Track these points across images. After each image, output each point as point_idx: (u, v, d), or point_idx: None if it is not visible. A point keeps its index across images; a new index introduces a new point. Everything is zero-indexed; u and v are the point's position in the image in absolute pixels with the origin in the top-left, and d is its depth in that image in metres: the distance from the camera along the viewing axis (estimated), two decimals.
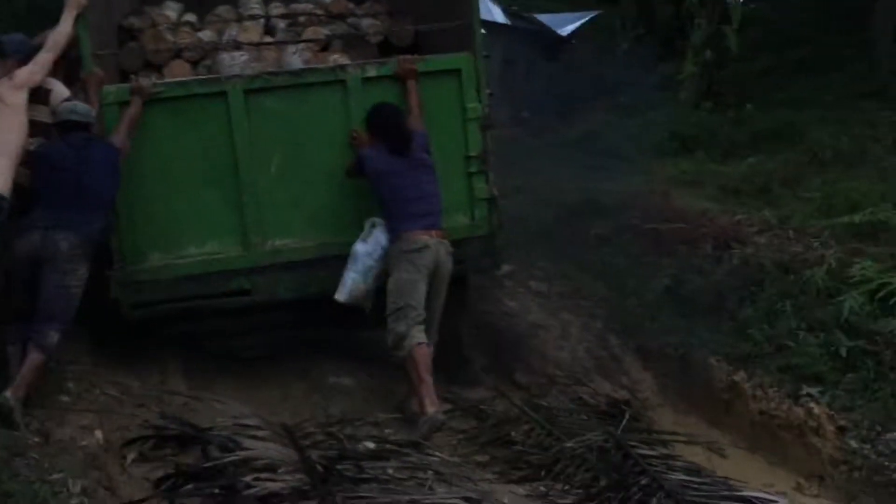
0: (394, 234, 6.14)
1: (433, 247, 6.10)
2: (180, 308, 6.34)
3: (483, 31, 6.73)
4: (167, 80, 6.63)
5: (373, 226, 6.26)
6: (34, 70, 5.83)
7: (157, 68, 6.89)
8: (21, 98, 5.69)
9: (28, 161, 5.75)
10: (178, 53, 6.93)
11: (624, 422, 6.18)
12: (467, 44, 6.53)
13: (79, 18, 6.07)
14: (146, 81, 6.25)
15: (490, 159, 6.61)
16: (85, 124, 5.80)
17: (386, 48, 7.22)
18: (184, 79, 6.55)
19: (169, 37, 7.01)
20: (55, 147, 5.78)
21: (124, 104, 6.12)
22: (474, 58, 6.50)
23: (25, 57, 5.98)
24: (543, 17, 17.63)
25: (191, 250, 6.35)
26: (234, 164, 6.32)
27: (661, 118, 12.83)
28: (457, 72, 6.51)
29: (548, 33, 17.28)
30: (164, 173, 6.27)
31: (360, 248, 6.22)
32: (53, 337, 5.39)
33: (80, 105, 5.85)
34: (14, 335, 5.48)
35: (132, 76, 6.64)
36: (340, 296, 6.17)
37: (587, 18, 17.77)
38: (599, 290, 8.40)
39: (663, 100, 13.48)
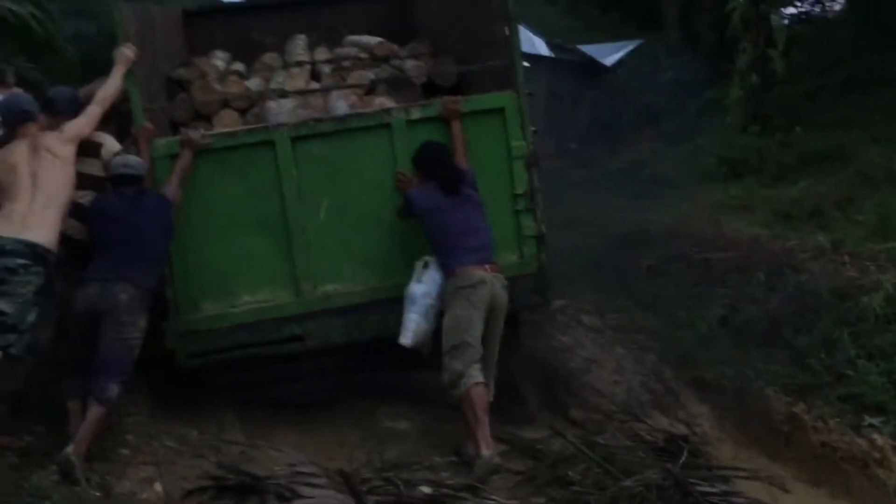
0: (448, 270, 6.13)
1: (489, 281, 6.07)
2: (235, 356, 6.40)
3: (527, 64, 6.75)
4: (216, 129, 6.73)
5: (425, 265, 6.26)
6: (83, 124, 5.96)
7: (207, 118, 6.98)
8: (70, 151, 5.80)
9: (81, 214, 5.88)
10: (226, 103, 7.03)
11: (683, 458, 6.08)
12: (510, 82, 6.56)
13: (128, 74, 6.20)
14: (195, 133, 6.34)
15: (537, 196, 6.60)
16: (137, 177, 5.91)
17: (430, 89, 7.27)
18: (232, 129, 6.65)
19: (217, 87, 7.12)
20: (109, 200, 5.90)
21: (175, 156, 6.23)
22: (517, 96, 6.53)
23: (74, 113, 6.11)
24: (587, 48, 17.69)
25: (243, 298, 6.43)
26: (283, 212, 6.39)
27: (709, 144, 12.76)
28: (500, 110, 6.54)
29: (591, 64, 17.34)
30: (216, 223, 6.36)
31: (417, 288, 6.22)
32: (114, 390, 5.45)
33: (133, 158, 5.97)
34: (73, 389, 5.55)
35: (182, 127, 6.77)
36: (405, 339, 6.16)
37: (630, 48, 17.83)
38: (652, 322, 8.34)
39: (710, 125, 13.42)
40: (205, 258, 6.36)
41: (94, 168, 6.00)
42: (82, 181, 5.91)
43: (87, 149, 5.97)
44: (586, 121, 16.08)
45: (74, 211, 5.82)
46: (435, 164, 6.26)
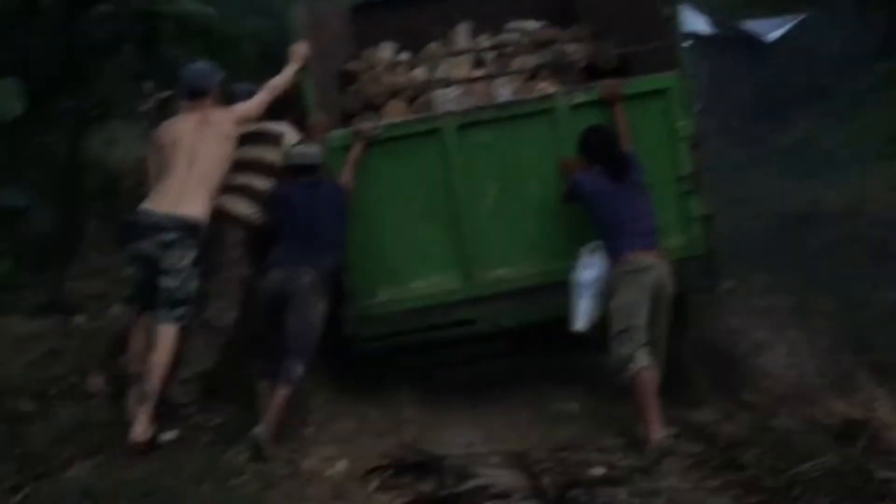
0: (614, 255, 6.13)
1: (655, 267, 6.06)
2: (409, 340, 6.61)
3: (689, 42, 6.70)
4: (386, 119, 6.94)
5: (592, 251, 6.30)
6: (252, 106, 6.29)
7: (377, 109, 7.22)
8: (235, 130, 6.10)
9: (263, 201, 6.19)
10: (394, 93, 7.25)
11: (862, 442, 5.94)
12: (672, 62, 6.52)
13: (302, 70, 6.47)
14: (366, 125, 6.56)
15: (702, 177, 6.55)
16: (314, 166, 6.18)
17: (592, 72, 7.28)
18: (400, 119, 6.84)
19: (386, 78, 7.34)
20: (288, 189, 6.18)
21: (347, 147, 6.46)
22: (680, 76, 6.49)
23: None
24: (749, 24, 17.24)
25: (416, 284, 6.61)
26: (451, 198, 6.55)
27: (879, 120, 12.28)
28: (663, 92, 6.52)
29: (754, 40, 16.91)
30: (388, 211, 6.56)
31: (586, 274, 6.26)
32: (299, 371, 5.71)
33: (310, 148, 6.24)
34: (263, 371, 5.85)
35: (353, 119, 7.00)
36: (578, 325, 6.23)
37: (794, 22, 17.27)
38: (825, 304, 8.13)
39: (880, 101, 12.89)
40: (378, 245, 6.57)
41: (274, 156, 6.29)
42: (263, 169, 6.24)
43: (267, 138, 6.30)
44: (750, 98, 15.70)
45: (257, 197, 6.11)
46: (601, 148, 6.27)
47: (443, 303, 6.58)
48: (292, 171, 6.20)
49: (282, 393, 5.65)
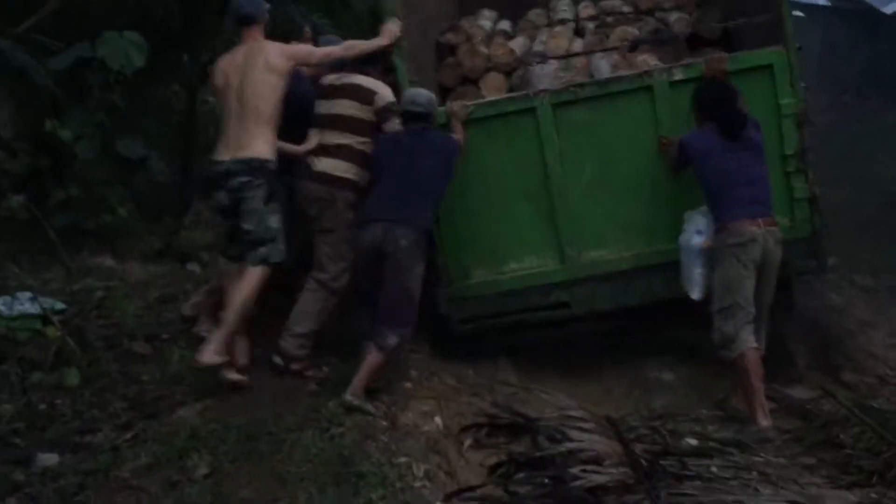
0: (719, 223, 5.99)
1: (760, 238, 5.89)
2: (504, 322, 6.65)
3: (801, 14, 6.53)
4: (483, 93, 6.94)
5: (704, 214, 6.16)
6: (311, 52, 6.28)
7: (474, 82, 7.20)
8: (284, 65, 5.88)
9: (366, 161, 6.17)
10: (492, 66, 7.20)
11: None
12: (778, 36, 6.32)
13: (395, 47, 6.39)
14: (458, 105, 6.48)
15: (808, 156, 6.37)
16: (425, 115, 6.04)
17: (694, 41, 7.16)
18: (494, 98, 6.77)
19: (483, 50, 7.29)
20: (395, 136, 6.08)
21: (441, 126, 6.31)
22: (786, 51, 6.28)
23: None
24: None
25: (511, 265, 6.60)
26: (546, 178, 6.47)
27: None
28: (768, 67, 6.31)
29: (871, 12, 16.35)
30: (481, 191, 6.51)
31: (696, 239, 6.13)
32: (393, 339, 5.64)
33: (422, 94, 6.11)
34: (365, 325, 5.89)
35: (451, 92, 7.00)
36: (695, 294, 6.16)
37: None
38: None
39: None
40: (473, 226, 6.54)
41: (366, 114, 6.20)
42: (359, 128, 6.18)
43: (361, 95, 6.20)
44: (863, 72, 15.21)
45: (359, 158, 6.15)
46: (717, 104, 6.08)
47: (538, 285, 6.56)
48: (403, 119, 6.10)
49: (372, 357, 5.64)
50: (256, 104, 5.75)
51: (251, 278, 5.68)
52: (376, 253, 5.76)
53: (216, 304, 6.19)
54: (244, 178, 5.68)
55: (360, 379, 5.59)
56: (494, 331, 6.75)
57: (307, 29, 7.30)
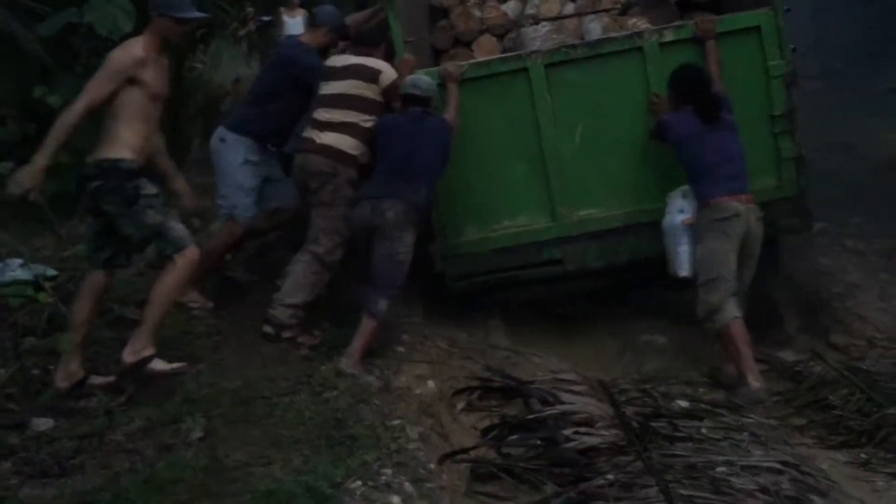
0: (702, 200, 6.09)
1: (743, 214, 6.00)
2: (497, 279, 6.70)
3: None
4: (476, 55, 6.97)
5: (684, 195, 6.25)
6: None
7: (467, 45, 7.24)
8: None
9: (369, 138, 6.23)
10: (485, 29, 7.24)
11: None
12: None
13: (389, 5, 6.45)
14: (453, 66, 6.51)
15: (795, 117, 6.45)
16: (425, 98, 6.13)
17: (685, 5, 7.19)
18: (487, 58, 6.81)
19: (476, 13, 7.34)
20: (395, 119, 6.17)
21: (437, 86, 6.34)
22: (774, 13, 6.35)
23: (334, 28, 6.62)
24: None
25: (503, 223, 6.67)
26: (538, 138, 6.53)
27: None
28: (756, 29, 6.40)
29: None
30: (475, 150, 6.56)
31: (679, 218, 6.22)
32: (383, 304, 5.76)
33: (422, 79, 6.19)
34: (356, 296, 5.99)
35: (444, 54, 7.02)
36: (683, 272, 6.21)
37: None
38: None
39: None
40: (466, 184, 6.60)
41: (371, 92, 6.28)
42: (365, 107, 6.26)
43: (365, 74, 6.28)
44: (854, 38, 15.17)
45: (364, 136, 6.21)
46: (692, 89, 6.18)
47: (530, 242, 6.63)
48: (403, 102, 6.19)
49: (365, 324, 5.75)
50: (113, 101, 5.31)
51: (173, 273, 5.27)
52: (367, 229, 5.88)
53: (201, 272, 6.21)
54: (97, 183, 5.28)
55: (355, 347, 5.68)
56: (487, 288, 6.79)
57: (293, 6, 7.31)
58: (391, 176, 5.97)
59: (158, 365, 5.30)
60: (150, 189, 5.23)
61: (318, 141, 6.21)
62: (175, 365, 5.39)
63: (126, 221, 5.24)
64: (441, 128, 6.16)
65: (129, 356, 5.20)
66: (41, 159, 5.08)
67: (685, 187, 6.27)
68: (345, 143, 6.19)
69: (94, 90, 5.20)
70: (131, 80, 5.20)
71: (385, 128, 6.16)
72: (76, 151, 7.83)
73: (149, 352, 5.23)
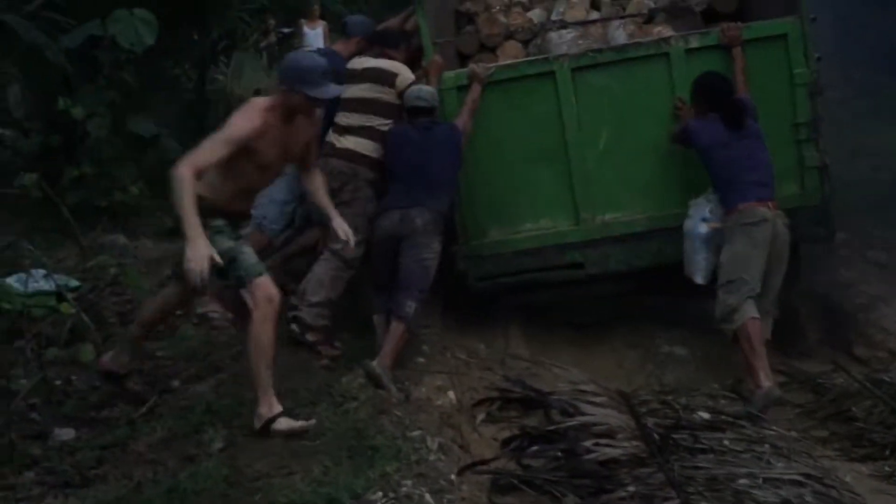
0: (729, 206, 6.07)
1: (771, 220, 5.98)
2: (520, 280, 6.70)
3: None
4: (500, 60, 6.96)
5: (707, 201, 6.24)
6: None
7: (492, 50, 7.25)
8: None
9: (384, 138, 6.28)
10: (510, 35, 7.26)
11: None
12: (793, 7, 6.40)
13: (418, 8, 6.50)
14: (480, 67, 6.58)
15: (820, 126, 6.45)
16: (430, 108, 6.20)
17: (710, 15, 7.17)
18: (514, 61, 6.85)
19: (502, 19, 7.36)
20: (402, 129, 6.23)
21: (461, 88, 6.52)
22: (800, 21, 6.35)
23: (366, 37, 6.68)
24: None
25: (526, 226, 6.69)
26: (563, 142, 6.56)
27: None
28: (782, 37, 6.40)
29: None
30: (500, 152, 6.61)
31: (702, 227, 6.21)
32: (411, 307, 5.81)
33: (426, 90, 6.25)
34: (378, 306, 6.03)
35: (469, 61, 7.05)
36: (699, 278, 6.23)
37: None
38: None
39: None
40: (490, 186, 6.63)
41: (389, 96, 6.35)
42: (382, 110, 6.32)
43: (383, 78, 6.34)
44: (875, 47, 15.10)
45: (381, 138, 6.26)
46: (717, 96, 6.17)
47: (553, 245, 6.64)
48: (409, 113, 6.24)
49: (395, 328, 5.79)
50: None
51: (254, 316, 4.97)
52: (393, 239, 5.94)
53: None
54: None
55: (386, 352, 5.72)
56: (508, 290, 6.80)
57: (316, 7, 7.35)
58: (411, 186, 6.02)
59: (283, 425, 4.89)
60: (216, 221, 4.95)
61: (337, 145, 6.29)
62: (302, 423, 4.95)
63: None
64: (451, 134, 6.23)
65: (256, 422, 4.92)
66: (198, 238, 4.59)
67: (710, 194, 6.26)
68: (363, 146, 6.27)
69: (209, 155, 4.81)
70: (244, 149, 4.92)
71: (394, 140, 6.23)
72: (99, 162, 7.97)
73: (273, 412, 4.91)
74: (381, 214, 6.05)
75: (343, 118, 6.35)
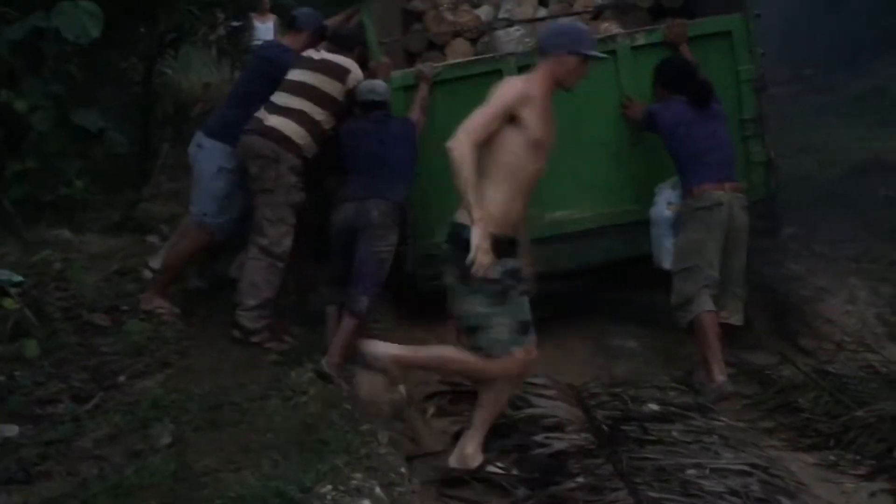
0: (686, 188, 6.12)
1: (726, 203, 6.01)
2: None
3: None
4: (449, 59, 6.98)
5: (672, 187, 6.29)
6: None
7: (440, 48, 7.26)
8: None
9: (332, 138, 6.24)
10: (458, 33, 7.27)
11: None
12: (737, 4, 6.48)
13: (364, 8, 6.48)
14: (427, 67, 6.58)
15: (765, 121, 6.54)
16: (383, 102, 6.19)
17: (657, 11, 7.24)
18: (460, 60, 6.86)
19: (449, 17, 7.36)
20: (357, 124, 6.20)
21: (409, 88, 6.51)
22: (745, 18, 6.44)
23: (315, 31, 6.59)
24: None
25: None
26: None
27: None
28: (727, 34, 6.49)
29: None
30: (446, 152, 6.56)
31: (667, 211, 6.25)
32: (364, 302, 5.81)
33: (379, 84, 6.24)
34: (331, 297, 6.00)
35: (417, 61, 7.03)
36: (667, 264, 6.24)
37: None
38: (889, 253, 8.04)
39: None
40: (439, 186, 6.47)
41: (335, 90, 6.27)
42: (321, 100, 6.23)
43: (334, 72, 6.28)
44: (825, 44, 15.33)
45: (313, 127, 6.20)
46: (683, 77, 6.21)
47: None
48: (362, 108, 6.21)
49: (347, 323, 5.80)
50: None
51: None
52: (349, 231, 5.91)
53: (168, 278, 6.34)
54: None
55: (336, 347, 5.72)
56: None
57: (265, 1, 7.27)
58: (369, 178, 6.00)
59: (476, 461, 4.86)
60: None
61: (265, 122, 6.14)
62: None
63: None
64: (406, 128, 6.23)
65: (454, 461, 4.89)
66: (482, 222, 4.47)
67: (674, 179, 6.30)
68: (290, 128, 6.13)
69: (481, 121, 4.69)
70: (513, 124, 4.71)
71: (350, 132, 6.19)
72: (44, 156, 7.83)
73: (476, 461, 4.88)
74: (337, 207, 6.00)
75: (280, 97, 6.23)
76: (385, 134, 6.10)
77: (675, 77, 6.24)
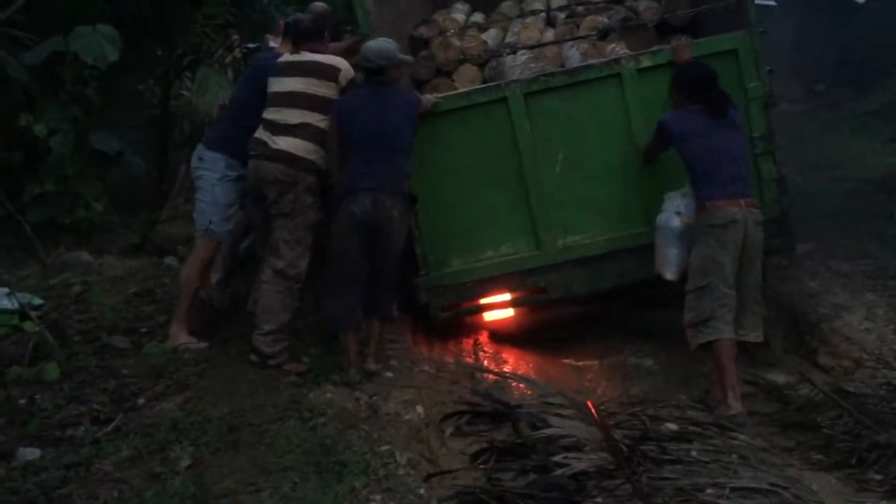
0: (699, 203, 6.00)
1: (741, 220, 5.88)
2: (482, 308, 6.77)
3: (773, 3, 6.62)
4: (457, 85, 7.04)
5: (683, 195, 6.20)
6: None
7: (448, 74, 7.28)
8: None
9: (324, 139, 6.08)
10: (465, 59, 7.29)
11: None
12: (742, 21, 6.48)
13: (365, 38, 6.39)
14: (427, 98, 6.50)
15: (775, 138, 6.52)
16: (377, 68, 5.94)
17: (663, 28, 7.26)
18: (465, 90, 6.86)
19: (456, 42, 7.39)
20: (354, 94, 6.03)
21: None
22: (750, 36, 6.42)
23: (315, 37, 6.33)
24: None
25: (488, 253, 6.70)
26: (520, 167, 6.58)
27: None
28: (733, 52, 6.46)
29: (843, 1, 16.45)
30: (457, 182, 6.62)
31: (675, 220, 6.17)
32: (394, 306, 5.95)
33: (370, 49, 5.99)
34: (348, 322, 5.93)
35: (425, 85, 7.07)
36: (670, 275, 6.22)
37: None
38: None
39: None
40: (449, 215, 6.64)
41: (329, 90, 6.10)
42: (318, 105, 6.06)
43: (321, 72, 6.10)
44: (836, 61, 15.30)
45: (321, 138, 6.05)
46: (702, 84, 6.08)
47: (515, 271, 6.66)
48: (364, 72, 6.06)
49: (380, 328, 5.97)
50: None
51: None
52: (365, 225, 5.80)
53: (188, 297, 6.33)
54: None
55: (373, 350, 5.96)
56: (471, 317, 6.86)
57: (281, 22, 7.26)
58: (371, 157, 5.83)
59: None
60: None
61: (272, 146, 5.99)
62: None
63: None
64: (407, 100, 6.09)
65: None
66: None
67: (685, 188, 6.21)
68: (300, 147, 5.99)
69: None
70: None
71: (347, 107, 5.96)
72: (62, 179, 7.89)
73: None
74: (348, 198, 5.83)
75: (277, 113, 6.05)
76: (383, 101, 5.91)
77: (694, 84, 6.12)
